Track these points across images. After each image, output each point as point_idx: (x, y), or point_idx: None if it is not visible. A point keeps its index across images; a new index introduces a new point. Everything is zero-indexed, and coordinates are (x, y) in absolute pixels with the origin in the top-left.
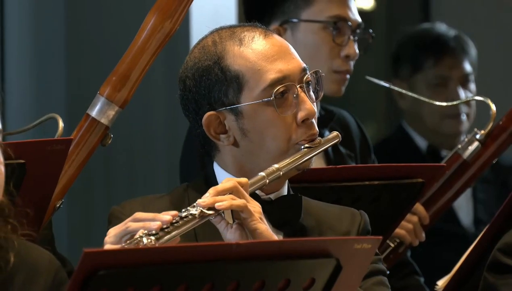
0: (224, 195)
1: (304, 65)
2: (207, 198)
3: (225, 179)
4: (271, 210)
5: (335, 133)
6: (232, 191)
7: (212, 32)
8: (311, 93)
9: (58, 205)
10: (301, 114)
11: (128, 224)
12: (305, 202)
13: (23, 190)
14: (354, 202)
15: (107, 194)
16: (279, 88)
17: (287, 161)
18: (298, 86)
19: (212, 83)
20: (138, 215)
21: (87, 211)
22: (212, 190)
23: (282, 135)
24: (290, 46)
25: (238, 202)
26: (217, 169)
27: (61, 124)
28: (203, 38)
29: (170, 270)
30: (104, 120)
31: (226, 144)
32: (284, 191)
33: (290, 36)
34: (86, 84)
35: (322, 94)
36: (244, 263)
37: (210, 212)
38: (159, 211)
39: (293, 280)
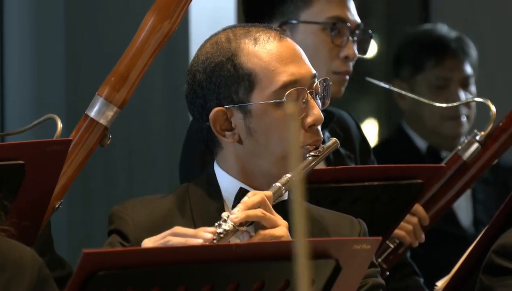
0: (253, 208)
1: (314, 72)
2: (238, 213)
3: (251, 192)
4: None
5: (333, 139)
6: (261, 205)
7: (225, 29)
8: (318, 101)
9: (57, 206)
10: (309, 120)
11: (168, 238)
12: (305, 207)
13: (22, 191)
14: (354, 203)
15: (107, 195)
16: (291, 91)
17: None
18: (308, 91)
19: (223, 79)
20: (178, 229)
21: (86, 211)
22: (242, 205)
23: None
24: (302, 52)
25: (278, 232)
26: (218, 170)
27: (59, 125)
28: (215, 34)
29: (169, 271)
30: (103, 121)
31: (230, 141)
32: (285, 195)
33: (289, 38)
34: (85, 85)
35: (328, 102)
36: (243, 263)
37: (243, 228)
38: (162, 211)
39: (292, 281)
